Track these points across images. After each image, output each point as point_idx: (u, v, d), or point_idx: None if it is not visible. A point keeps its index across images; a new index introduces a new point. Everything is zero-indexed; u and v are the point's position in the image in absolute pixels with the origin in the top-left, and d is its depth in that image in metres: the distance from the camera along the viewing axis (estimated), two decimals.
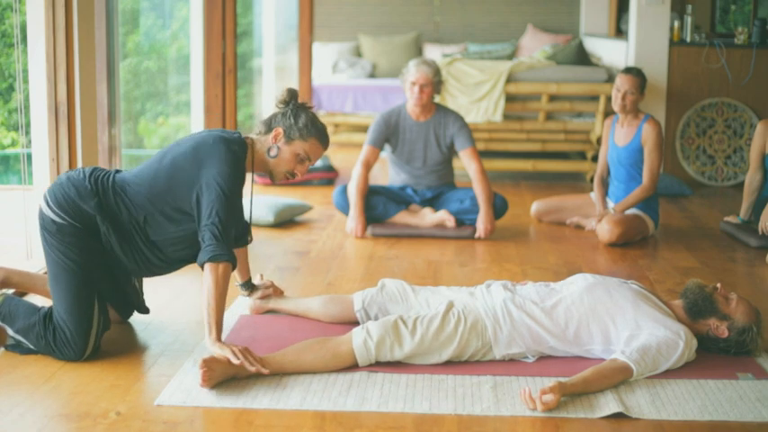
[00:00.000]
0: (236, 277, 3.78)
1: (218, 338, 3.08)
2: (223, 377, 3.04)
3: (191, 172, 3.19)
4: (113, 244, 3.28)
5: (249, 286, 3.78)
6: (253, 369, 3.03)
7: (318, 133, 3.34)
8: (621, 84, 5.31)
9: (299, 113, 3.33)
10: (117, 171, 3.39)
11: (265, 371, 3.05)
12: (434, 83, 5.43)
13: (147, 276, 3.48)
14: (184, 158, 3.22)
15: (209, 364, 2.99)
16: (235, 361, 3.02)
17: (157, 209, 3.26)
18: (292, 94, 3.36)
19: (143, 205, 3.26)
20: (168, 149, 3.33)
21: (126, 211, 3.27)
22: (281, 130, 3.31)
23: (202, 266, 3.12)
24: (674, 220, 5.94)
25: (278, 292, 3.83)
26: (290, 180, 3.39)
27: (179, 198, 3.22)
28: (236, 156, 3.21)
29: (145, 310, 3.64)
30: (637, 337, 3.22)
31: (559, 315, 3.30)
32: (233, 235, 3.20)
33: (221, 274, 3.10)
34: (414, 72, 5.39)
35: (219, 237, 3.11)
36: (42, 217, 3.27)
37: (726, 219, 5.62)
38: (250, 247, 4.31)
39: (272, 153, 3.32)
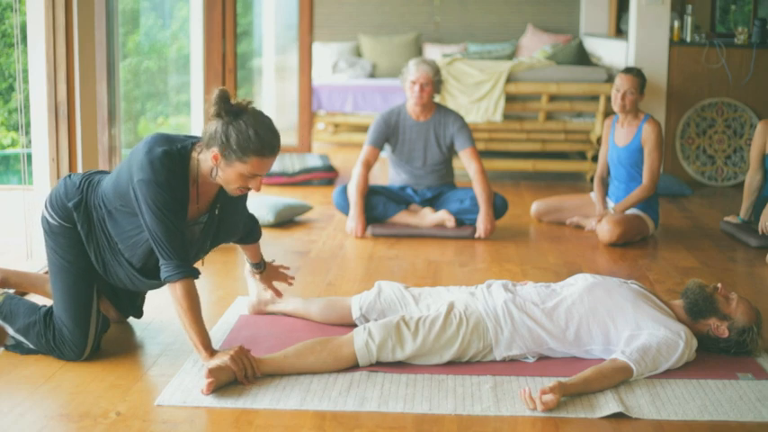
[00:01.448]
0: (246, 259, 3.70)
1: (211, 353, 3.05)
2: (227, 381, 3.04)
3: (125, 177, 3.07)
4: (87, 248, 3.22)
5: (260, 265, 3.68)
6: (247, 382, 3.03)
7: (256, 148, 2.93)
8: (621, 84, 5.31)
9: (230, 131, 2.93)
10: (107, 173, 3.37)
11: (257, 374, 3.07)
12: (435, 82, 5.43)
13: (114, 284, 3.34)
14: (123, 163, 3.12)
15: (215, 374, 2.99)
16: (237, 372, 3.02)
17: (113, 205, 3.14)
18: (221, 97, 2.95)
19: (104, 202, 3.17)
20: (130, 153, 3.19)
21: (95, 210, 3.19)
22: (216, 152, 2.97)
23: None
24: (674, 220, 5.93)
25: (283, 277, 3.77)
26: (245, 193, 3.12)
27: (125, 199, 3.09)
28: (167, 169, 2.98)
29: (139, 314, 3.63)
30: (637, 337, 3.22)
31: (560, 316, 3.30)
32: (184, 245, 3.05)
33: (180, 293, 3.02)
34: (414, 71, 5.39)
35: (167, 255, 3.01)
36: (41, 218, 3.30)
37: (726, 219, 5.62)
38: None
39: (214, 174, 3.03)
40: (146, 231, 3.05)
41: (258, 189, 3.05)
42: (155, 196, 2.97)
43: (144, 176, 2.98)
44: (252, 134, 2.93)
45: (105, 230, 3.20)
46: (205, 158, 3.04)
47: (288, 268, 3.79)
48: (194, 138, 3.16)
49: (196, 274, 3.07)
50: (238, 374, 3.03)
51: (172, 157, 3.02)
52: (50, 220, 3.24)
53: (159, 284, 3.25)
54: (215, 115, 2.96)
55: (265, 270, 3.71)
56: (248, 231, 3.55)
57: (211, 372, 2.98)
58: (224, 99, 2.96)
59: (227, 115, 2.96)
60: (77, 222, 3.21)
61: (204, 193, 3.16)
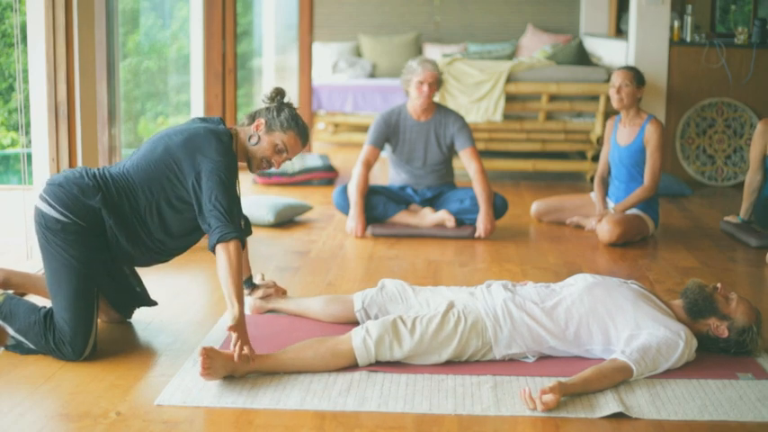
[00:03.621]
0: None
1: (240, 312, 3.09)
2: (223, 371, 3.04)
3: (187, 162, 3.29)
4: (118, 235, 3.31)
5: (250, 284, 3.78)
6: (240, 359, 3.05)
7: (298, 128, 3.45)
8: (615, 78, 5.33)
9: (283, 108, 3.47)
10: (105, 168, 3.43)
11: (248, 366, 3.09)
12: (439, 81, 5.45)
13: (152, 264, 3.54)
14: (179, 149, 3.31)
15: (209, 353, 3.01)
16: (236, 353, 3.03)
17: (156, 198, 3.33)
18: (279, 92, 3.51)
19: (143, 195, 3.33)
20: (158, 139, 3.39)
21: (127, 201, 3.33)
22: (262, 120, 3.44)
23: (213, 250, 3.18)
24: (674, 220, 5.94)
25: (279, 292, 3.83)
26: (265, 168, 3.50)
27: (177, 188, 3.31)
28: (226, 146, 3.33)
29: (151, 303, 3.68)
30: (637, 336, 3.22)
31: (559, 315, 3.30)
32: (238, 217, 3.27)
33: (233, 252, 3.16)
34: (421, 71, 5.39)
35: (224, 219, 3.19)
36: (43, 216, 3.27)
37: (726, 218, 5.62)
38: (250, 247, 4.31)
39: (253, 141, 3.43)
40: (200, 203, 3.24)
41: (278, 166, 3.48)
42: (228, 171, 3.26)
43: (219, 158, 3.27)
44: (299, 120, 3.49)
45: (141, 219, 3.35)
46: (246, 130, 3.47)
47: (272, 286, 3.84)
48: (221, 120, 3.52)
49: (245, 239, 3.32)
50: (236, 353, 3.03)
51: (230, 137, 3.40)
52: (61, 217, 3.24)
53: (187, 246, 3.48)
54: (270, 99, 3.49)
55: (256, 291, 3.81)
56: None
57: (205, 350, 3.01)
58: (281, 92, 3.52)
59: (281, 102, 3.49)
60: (105, 217, 3.29)
61: None
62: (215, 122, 3.46)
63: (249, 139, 3.44)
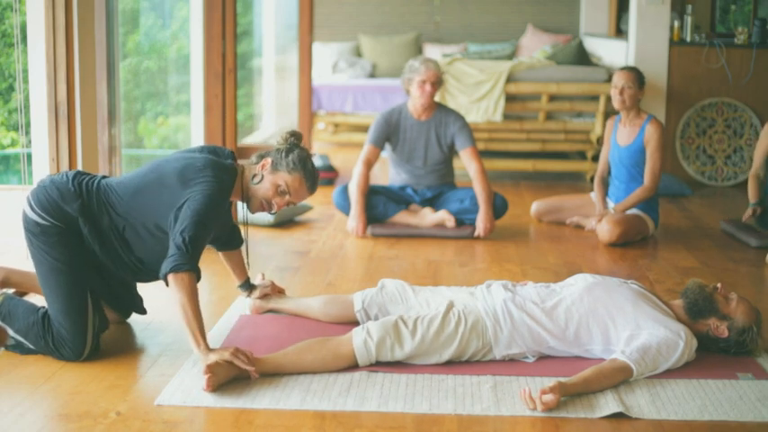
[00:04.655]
0: (234, 279, 3.78)
1: (207, 347, 3.04)
2: (225, 379, 3.04)
3: (174, 193, 3.17)
4: (95, 246, 3.28)
5: (248, 286, 3.78)
6: (250, 368, 3.03)
7: (305, 171, 3.30)
8: (617, 80, 5.32)
9: (293, 149, 3.32)
10: (103, 177, 3.40)
11: (255, 374, 3.05)
12: (441, 81, 5.46)
13: (133, 280, 3.46)
14: (171, 178, 3.21)
15: (214, 369, 2.99)
16: (239, 364, 3.02)
17: (138, 221, 3.25)
18: (293, 134, 3.38)
19: (124, 215, 3.26)
20: (157, 164, 3.31)
21: (107, 216, 3.27)
22: (269, 159, 3.31)
23: (165, 278, 3.05)
24: (674, 220, 5.93)
25: (277, 291, 3.83)
26: (265, 210, 3.33)
27: (159, 216, 3.21)
28: (222, 185, 3.19)
29: (142, 311, 3.64)
30: (637, 336, 3.22)
31: (559, 315, 3.30)
32: (199, 253, 3.11)
33: (187, 284, 3.02)
34: (424, 71, 5.39)
35: (184, 249, 3.04)
36: (26, 219, 3.29)
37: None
38: (251, 247, 4.30)
39: (256, 180, 3.30)
40: (172, 230, 3.10)
41: (279, 209, 3.33)
42: (209, 211, 3.11)
43: (207, 197, 3.12)
44: (309, 163, 3.33)
45: (119, 236, 3.27)
46: (252, 168, 3.34)
47: (269, 285, 3.82)
48: (231, 154, 3.42)
49: (200, 273, 3.11)
50: (239, 363, 3.02)
51: (233, 175, 3.29)
52: (41, 221, 3.24)
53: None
54: (283, 139, 3.35)
55: (254, 292, 3.78)
56: (228, 238, 3.65)
57: (209, 367, 2.98)
58: (296, 135, 3.38)
59: (294, 143, 3.35)
60: (81, 226, 3.24)
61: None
62: (224, 155, 3.36)
63: (253, 178, 3.31)
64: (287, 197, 3.30)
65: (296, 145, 3.35)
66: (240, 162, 3.41)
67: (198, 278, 3.09)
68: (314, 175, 3.33)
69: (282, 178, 3.28)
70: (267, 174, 3.29)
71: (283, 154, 3.30)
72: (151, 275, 3.37)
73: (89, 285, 3.30)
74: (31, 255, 3.29)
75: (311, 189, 3.35)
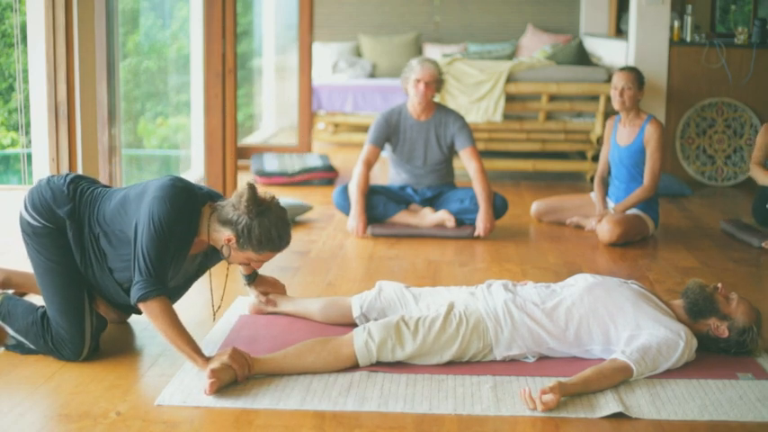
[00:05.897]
0: (240, 270, 3.74)
1: (205, 360, 3.04)
2: (228, 382, 3.04)
3: (136, 202, 3.14)
4: (74, 251, 3.26)
5: (251, 278, 3.73)
6: (244, 374, 3.04)
7: (273, 246, 3.12)
8: (618, 80, 5.32)
9: (253, 226, 3.07)
10: (104, 186, 3.38)
11: (240, 378, 3.05)
12: (438, 81, 5.45)
13: (107, 298, 3.38)
14: (137, 190, 3.19)
15: (218, 375, 2.99)
16: (238, 369, 3.03)
17: (111, 228, 3.21)
18: (250, 200, 3.07)
19: (101, 222, 3.23)
20: (136, 185, 3.28)
21: (88, 224, 3.25)
22: (233, 238, 3.11)
23: (137, 306, 3.07)
24: (674, 220, 5.94)
25: (279, 287, 3.79)
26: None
27: (125, 225, 3.17)
28: (181, 201, 3.08)
29: (141, 311, 3.63)
30: (637, 337, 3.22)
31: (560, 316, 3.30)
32: (167, 271, 3.09)
33: (159, 311, 3.03)
34: (419, 70, 5.39)
35: (147, 273, 3.02)
36: (21, 219, 3.30)
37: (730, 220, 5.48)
38: None
39: (224, 252, 3.17)
40: (134, 251, 3.06)
41: (257, 268, 3.25)
42: (163, 215, 3.04)
43: (161, 194, 3.06)
44: (274, 234, 3.10)
45: (97, 247, 3.24)
46: (217, 229, 3.15)
47: (271, 279, 3.81)
48: (214, 193, 3.29)
49: (168, 294, 3.12)
50: (239, 372, 3.03)
51: (192, 197, 3.14)
52: (32, 221, 3.25)
53: (126, 304, 3.30)
54: (243, 213, 3.08)
55: (256, 281, 3.74)
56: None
57: (213, 372, 2.98)
58: (253, 199, 3.08)
59: (254, 213, 3.09)
60: (68, 230, 3.24)
61: (197, 244, 3.25)
62: (198, 189, 3.21)
63: (221, 248, 3.16)
64: (260, 263, 3.25)
65: (256, 212, 3.08)
66: (216, 204, 3.22)
67: (169, 297, 3.10)
68: (284, 238, 3.14)
69: (253, 255, 3.15)
70: (234, 250, 3.15)
71: (246, 233, 3.08)
72: (119, 294, 3.30)
73: (84, 285, 3.29)
74: (28, 255, 3.30)
75: (284, 248, 3.20)
